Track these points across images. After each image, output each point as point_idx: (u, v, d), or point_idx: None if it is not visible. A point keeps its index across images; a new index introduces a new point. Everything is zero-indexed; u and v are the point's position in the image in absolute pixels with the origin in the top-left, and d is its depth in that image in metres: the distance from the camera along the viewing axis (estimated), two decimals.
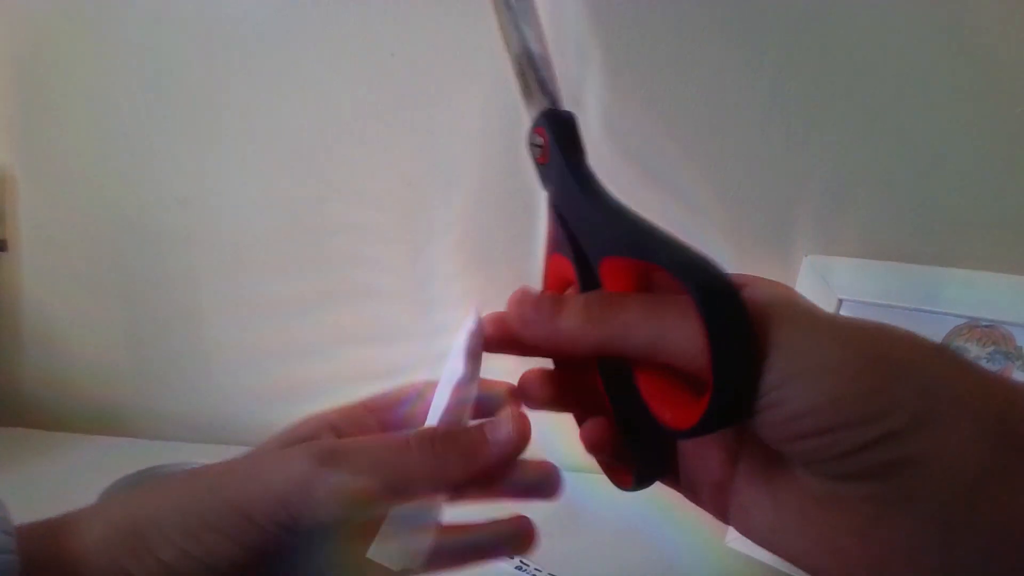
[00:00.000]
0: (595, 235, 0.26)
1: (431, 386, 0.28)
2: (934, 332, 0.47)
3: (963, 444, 0.16)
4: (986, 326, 0.45)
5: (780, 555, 0.21)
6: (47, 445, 0.66)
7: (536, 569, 0.48)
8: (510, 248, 0.62)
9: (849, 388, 0.17)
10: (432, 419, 0.26)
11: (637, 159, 0.59)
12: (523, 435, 0.24)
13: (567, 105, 0.31)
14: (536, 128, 0.30)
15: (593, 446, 0.25)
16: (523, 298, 0.25)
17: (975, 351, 0.46)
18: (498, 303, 0.64)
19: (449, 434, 0.24)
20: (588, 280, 0.26)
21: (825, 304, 0.51)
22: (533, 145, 0.30)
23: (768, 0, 0.54)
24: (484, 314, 0.29)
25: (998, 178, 0.54)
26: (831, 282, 0.52)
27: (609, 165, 0.59)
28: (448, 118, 0.60)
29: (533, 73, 0.30)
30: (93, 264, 0.67)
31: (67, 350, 0.69)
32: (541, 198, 0.61)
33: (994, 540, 0.16)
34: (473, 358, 0.27)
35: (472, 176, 0.61)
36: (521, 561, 0.48)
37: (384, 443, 0.24)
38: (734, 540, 0.54)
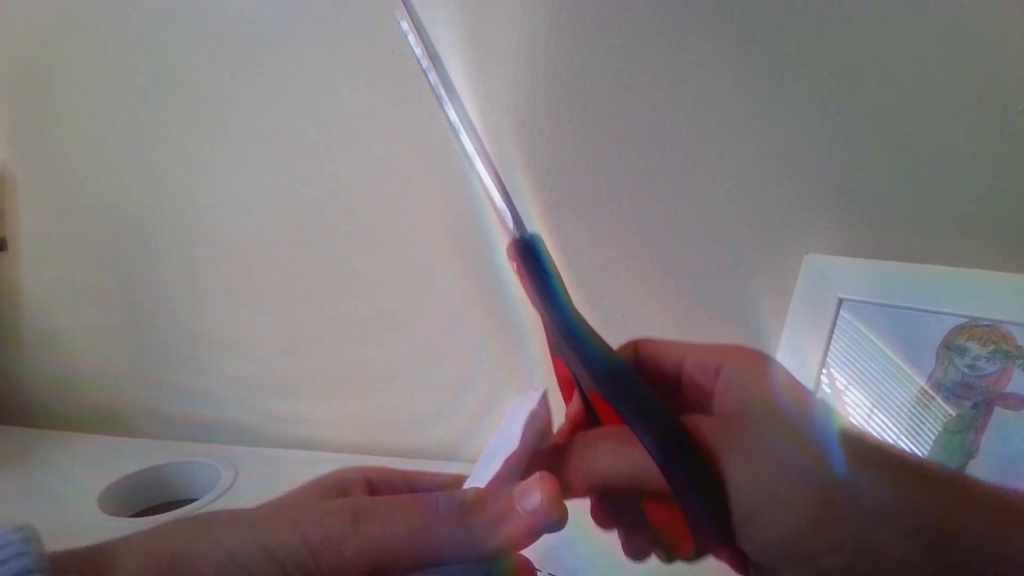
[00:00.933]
0: (575, 367, 0.26)
1: (468, 478, 0.26)
2: (935, 331, 0.47)
3: (899, 566, 0.19)
4: (986, 325, 0.45)
5: None
6: (46, 444, 0.66)
7: (536, 568, 0.48)
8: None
9: (802, 525, 0.20)
10: (474, 484, 0.25)
11: (638, 158, 0.59)
12: (553, 502, 0.23)
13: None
14: (509, 255, 0.30)
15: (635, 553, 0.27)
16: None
17: (975, 350, 0.45)
18: (498, 302, 0.64)
19: (477, 498, 0.24)
20: (586, 404, 0.27)
21: (825, 303, 0.51)
22: (512, 268, 0.31)
23: (770, 1, 0.54)
24: (548, 395, 0.28)
25: (998, 177, 0.54)
26: (831, 281, 0.52)
27: (610, 163, 0.59)
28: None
29: (492, 200, 0.31)
30: (93, 263, 0.67)
31: (67, 349, 0.69)
32: (540, 196, 0.61)
33: None
34: (529, 436, 0.26)
35: (471, 174, 0.61)
36: None
37: (413, 503, 0.23)
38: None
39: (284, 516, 0.23)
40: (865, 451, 0.21)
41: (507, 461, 0.25)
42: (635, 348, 0.28)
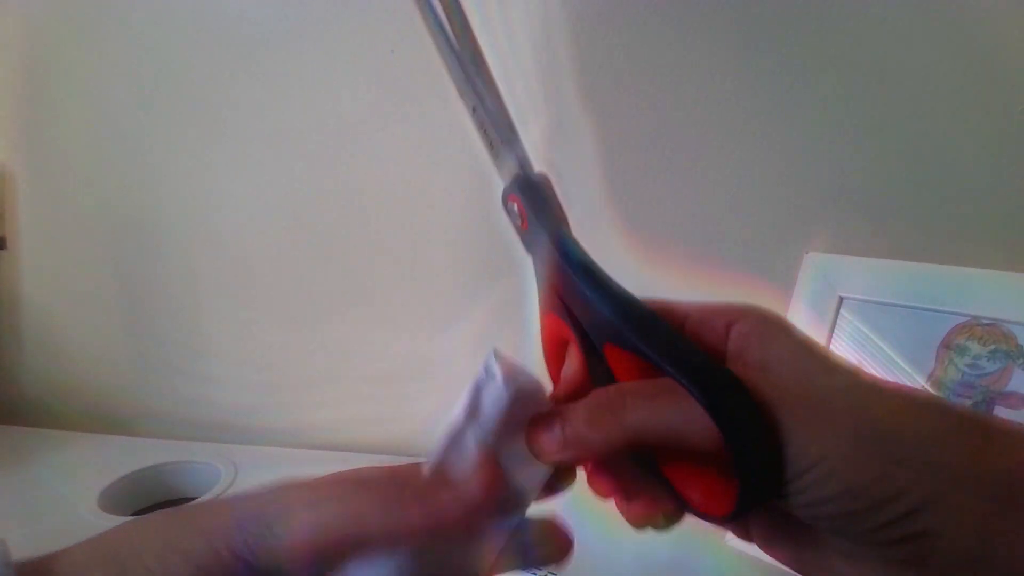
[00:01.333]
0: (591, 317, 0.24)
1: None
2: (935, 330, 0.47)
3: (964, 517, 0.18)
4: (987, 324, 0.45)
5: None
6: (46, 443, 0.66)
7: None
8: (512, 248, 0.62)
9: (860, 478, 0.19)
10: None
11: (638, 157, 0.59)
12: (486, 488, 0.22)
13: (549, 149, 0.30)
14: (509, 196, 0.27)
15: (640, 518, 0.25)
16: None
17: (976, 349, 0.45)
18: (499, 304, 0.64)
19: (395, 475, 0.23)
20: (595, 363, 0.24)
21: (826, 301, 0.51)
22: (509, 212, 0.27)
23: (771, 1, 0.53)
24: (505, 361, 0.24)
25: (999, 177, 0.54)
26: (832, 280, 0.52)
27: (609, 163, 0.59)
28: (448, 115, 0.60)
29: (494, 130, 0.28)
30: (92, 262, 0.67)
31: (66, 348, 0.69)
32: None
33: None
34: (472, 406, 0.23)
35: (472, 174, 0.61)
36: None
37: (332, 481, 0.23)
38: (734, 539, 0.53)
39: (224, 502, 0.22)
40: (918, 402, 0.20)
41: (445, 438, 0.24)
42: None
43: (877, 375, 0.22)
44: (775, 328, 0.23)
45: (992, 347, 0.45)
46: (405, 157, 0.61)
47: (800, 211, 0.56)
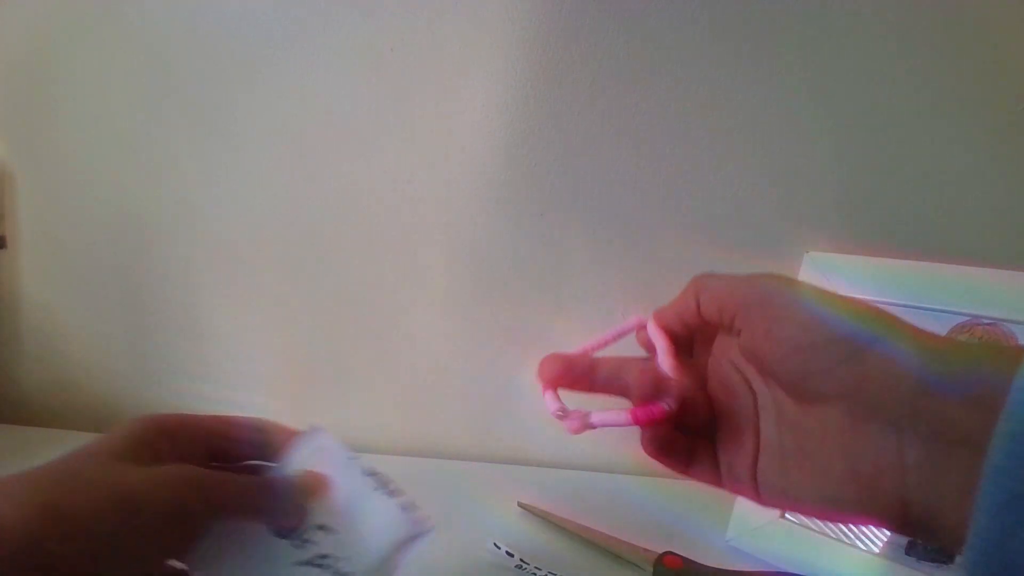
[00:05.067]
0: None
1: None
2: (935, 329, 0.47)
3: (898, 370, 0.23)
4: (987, 323, 0.45)
5: (794, 503, 0.27)
6: (46, 442, 0.66)
7: (536, 568, 0.48)
8: (510, 245, 0.62)
9: (821, 337, 0.25)
10: None
11: (637, 157, 0.59)
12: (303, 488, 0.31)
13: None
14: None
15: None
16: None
17: None
18: (499, 301, 0.64)
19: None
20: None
21: None
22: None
23: (770, 1, 0.53)
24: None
25: (999, 175, 0.54)
26: (832, 279, 0.52)
27: (609, 162, 0.59)
28: (448, 113, 0.60)
29: None
30: (92, 262, 0.67)
31: (66, 347, 0.69)
32: (540, 193, 0.61)
33: (932, 441, 0.22)
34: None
35: (472, 173, 0.61)
36: (521, 560, 0.48)
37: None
38: (734, 538, 0.54)
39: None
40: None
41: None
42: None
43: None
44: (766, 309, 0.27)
45: None
46: (404, 156, 0.61)
47: (800, 210, 0.56)
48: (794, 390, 0.26)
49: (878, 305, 0.27)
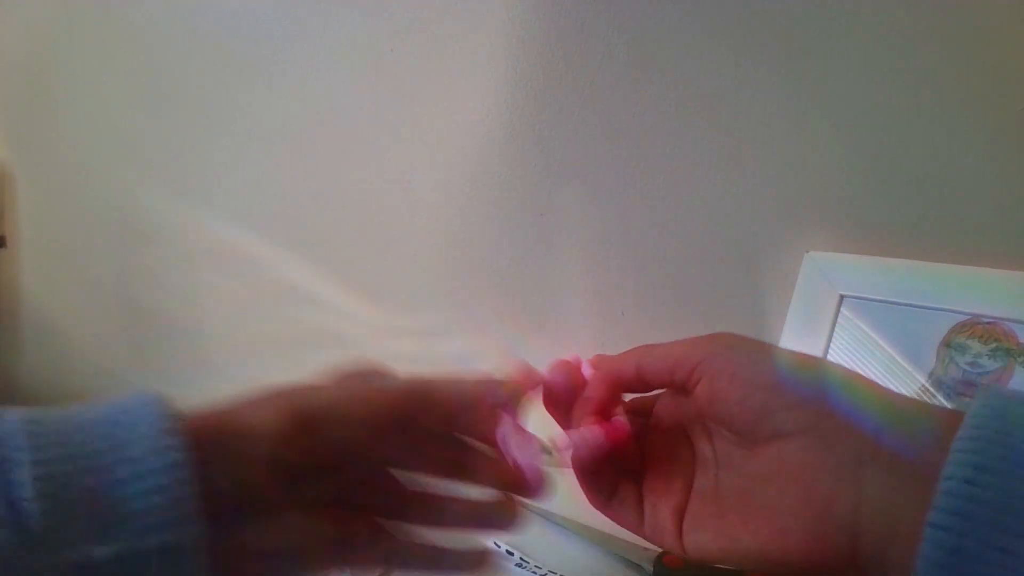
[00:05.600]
0: None
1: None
2: (936, 328, 0.47)
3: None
4: (988, 323, 0.45)
5: (724, 549, 0.26)
6: None
7: (536, 566, 0.48)
8: (509, 244, 0.62)
9: (784, 377, 0.26)
10: None
11: (638, 155, 0.58)
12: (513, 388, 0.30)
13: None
14: None
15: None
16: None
17: (977, 348, 0.45)
18: (498, 301, 0.64)
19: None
20: None
21: (826, 300, 0.51)
22: None
23: (770, 1, 0.53)
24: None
25: (999, 175, 0.54)
26: (832, 279, 0.52)
27: (610, 161, 0.59)
28: (447, 113, 0.60)
29: None
30: (92, 261, 0.67)
31: (66, 346, 0.69)
32: (541, 192, 0.61)
33: (893, 469, 0.22)
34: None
35: (471, 171, 0.61)
36: (521, 558, 0.48)
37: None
38: None
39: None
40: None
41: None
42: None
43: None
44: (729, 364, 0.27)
45: (993, 345, 0.45)
46: (404, 156, 0.61)
47: (800, 209, 0.56)
48: (751, 433, 0.26)
49: (831, 363, 0.28)
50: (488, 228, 0.62)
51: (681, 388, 0.29)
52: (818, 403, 0.25)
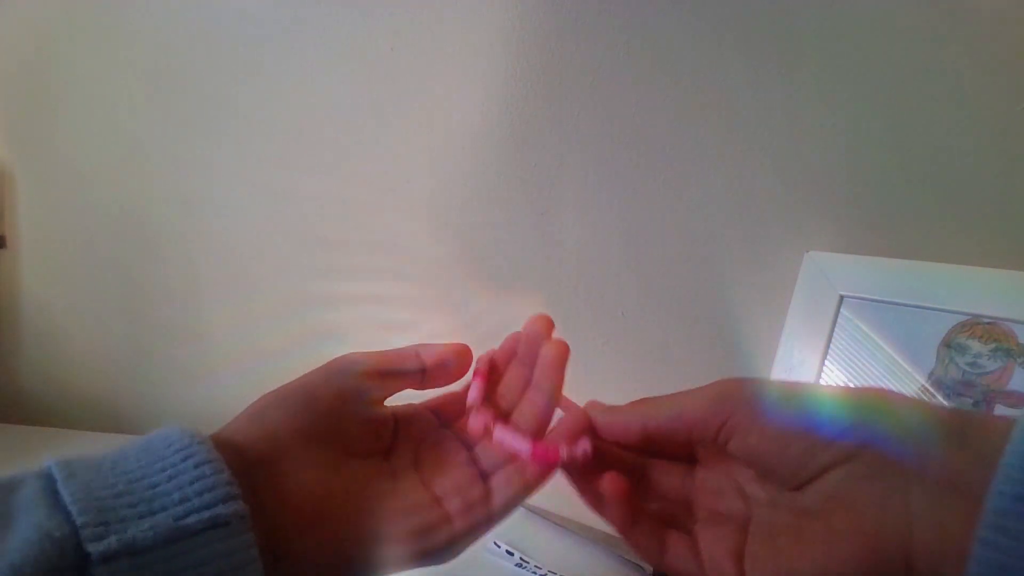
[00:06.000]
0: None
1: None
2: (935, 328, 0.47)
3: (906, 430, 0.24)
4: (988, 323, 0.45)
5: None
6: (45, 441, 0.66)
7: (536, 566, 0.48)
8: (509, 244, 0.62)
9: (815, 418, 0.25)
10: None
11: (638, 155, 0.58)
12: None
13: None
14: None
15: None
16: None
17: (976, 348, 0.45)
18: (499, 301, 0.64)
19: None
20: None
21: (826, 300, 0.51)
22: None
23: (770, 1, 0.53)
24: None
25: (999, 174, 0.54)
26: (832, 278, 0.52)
27: (610, 161, 0.59)
28: (447, 112, 0.60)
29: None
30: (92, 261, 0.67)
31: (66, 347, 0.69)
32: (541, 192, 0.61)
33: (938, 490, 0.22)
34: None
35: (471, 171, 0.61)
36: (521, 558, 0.48)
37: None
38: None
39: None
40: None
41: None
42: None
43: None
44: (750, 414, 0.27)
45: (993, 345, 0.45)
46: (404, 156, 0.61)
47: (800, 210, 0.56)
48: (796, 476, 0.26)
49: (856, 388, 0.27)
50: (488, 228, 0.62)
51: (708, 444, 0.28)
52: (856, 432, 0.24)
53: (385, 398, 0.32)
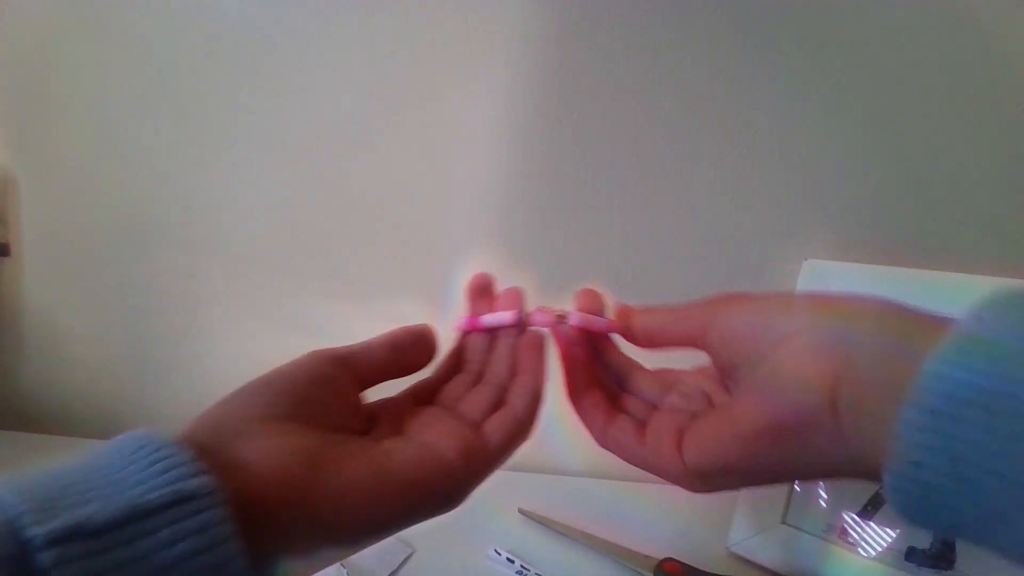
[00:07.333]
0: None
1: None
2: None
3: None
4: None
5: (726, 448, 0.27)
6: (48, 448, 0.66)
7: (537, 574, 0.48)
8: (510, 249, 0.62)
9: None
10: None
11: (637, 161, 0.59)
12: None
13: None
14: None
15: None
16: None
17: None
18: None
19: None
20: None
21: None
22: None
23: (771, 3, 0.54)
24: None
25: (999, 182, 0.54)
26: (830, 286, 0.52)
27: (609, 167, 0.60)
28: (449, 117, 0.60)
29: None
30: (94, 268, 0.67)
31: (68, 354, 0.70)
32: (541, 199, 0.61)
33: (880, 354, 0.23)
34: None
35: (473, 175, 0.61)
36: (522, 566, 0.48)
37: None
38: (736, 544, 0.54)
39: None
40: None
41: None
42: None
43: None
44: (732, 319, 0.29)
45: None
46: (405, 158, 0.62)
47: (799, 217, 0.57)
48: (755, 355, 0.27)
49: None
50: (489, 234, 0.63)
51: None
52: (803, 319, 0.26)
53: (361, 387, 0.32)
